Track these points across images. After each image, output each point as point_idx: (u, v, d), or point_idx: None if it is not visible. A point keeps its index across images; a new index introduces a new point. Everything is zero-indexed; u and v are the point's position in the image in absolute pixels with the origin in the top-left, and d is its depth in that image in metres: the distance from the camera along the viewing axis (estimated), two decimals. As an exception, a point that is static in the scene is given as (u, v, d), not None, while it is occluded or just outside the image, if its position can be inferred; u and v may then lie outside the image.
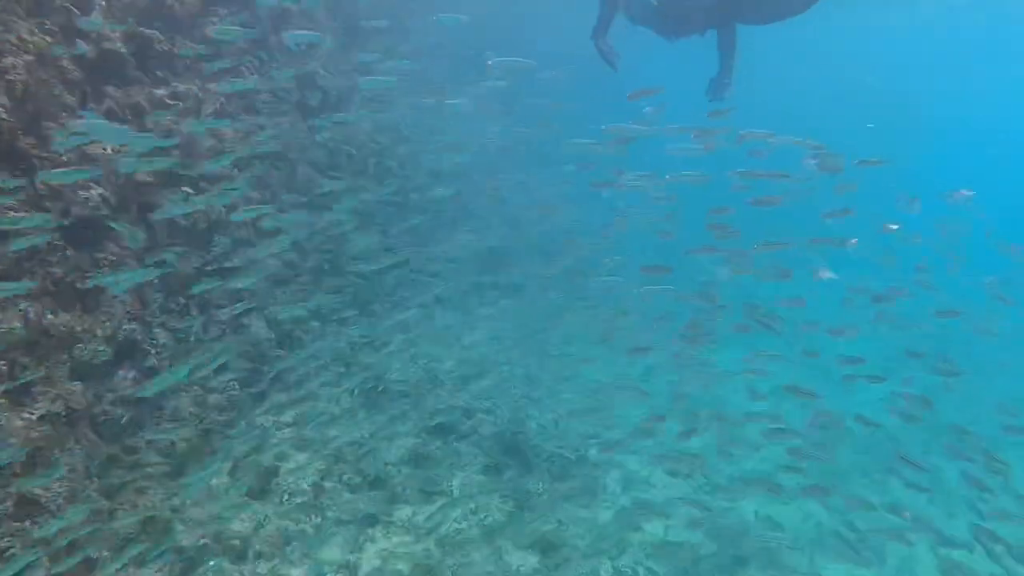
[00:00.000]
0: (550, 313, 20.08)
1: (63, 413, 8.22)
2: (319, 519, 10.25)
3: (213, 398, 10.70)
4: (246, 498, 10.16)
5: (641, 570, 11.32)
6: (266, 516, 9.94)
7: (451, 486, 11.86)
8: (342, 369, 13.15)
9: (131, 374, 9.28)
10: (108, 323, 9.14)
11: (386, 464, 11.53)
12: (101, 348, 8.96)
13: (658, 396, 16.75)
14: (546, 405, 15.29)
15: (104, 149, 9.25)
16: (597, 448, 14.39)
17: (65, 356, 8.52)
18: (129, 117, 10.17)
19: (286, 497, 10.41)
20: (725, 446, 14.64)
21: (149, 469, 9.16)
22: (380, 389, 12.94)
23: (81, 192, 8.91)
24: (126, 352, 9.52)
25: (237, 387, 11.07)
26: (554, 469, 13.03)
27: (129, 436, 9.21)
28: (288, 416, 11.76)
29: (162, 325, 10.18)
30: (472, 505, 11.60)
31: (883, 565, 12.29)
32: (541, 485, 12.52)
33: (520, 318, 19.10)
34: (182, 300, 10.51)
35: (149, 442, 9.21)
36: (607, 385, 17.02)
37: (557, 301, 20.79)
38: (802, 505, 13.28)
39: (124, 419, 8.90)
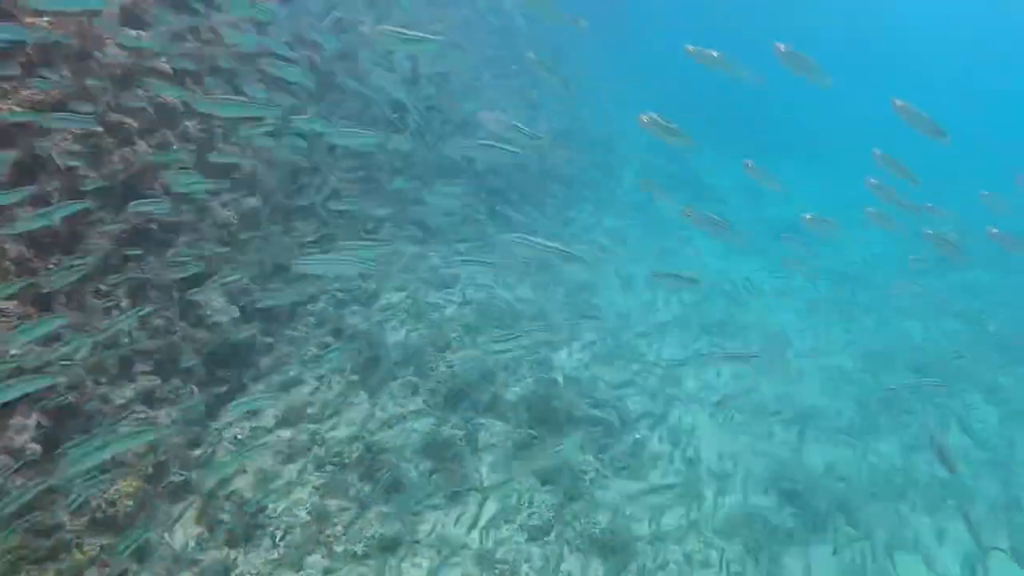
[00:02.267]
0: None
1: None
2: (327, 560, 7.87)
3: (164, 414, 7.97)
4: (227, 550, 7.66)
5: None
6: (256, 573, 7.51)
7: (480, 476, 9.61)
8: (329, 339, 10.47)
9: (31, 422, 6.43)
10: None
11: (399, 461, 9.11)
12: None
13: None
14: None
15: None
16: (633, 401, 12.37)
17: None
18: None
19: (279, 536, 7.94)
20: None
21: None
22: (375, 359, 10.38)
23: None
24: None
25: (194, 391, 8.31)
26: (596, 436, 10.88)
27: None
28: (268, 417, 9.14)
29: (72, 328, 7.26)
30: (511, 500, 9.42)
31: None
32: (586, 461, 10.40)
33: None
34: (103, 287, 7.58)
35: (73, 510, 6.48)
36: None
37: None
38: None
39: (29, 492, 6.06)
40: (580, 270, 16.94)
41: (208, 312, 8.74)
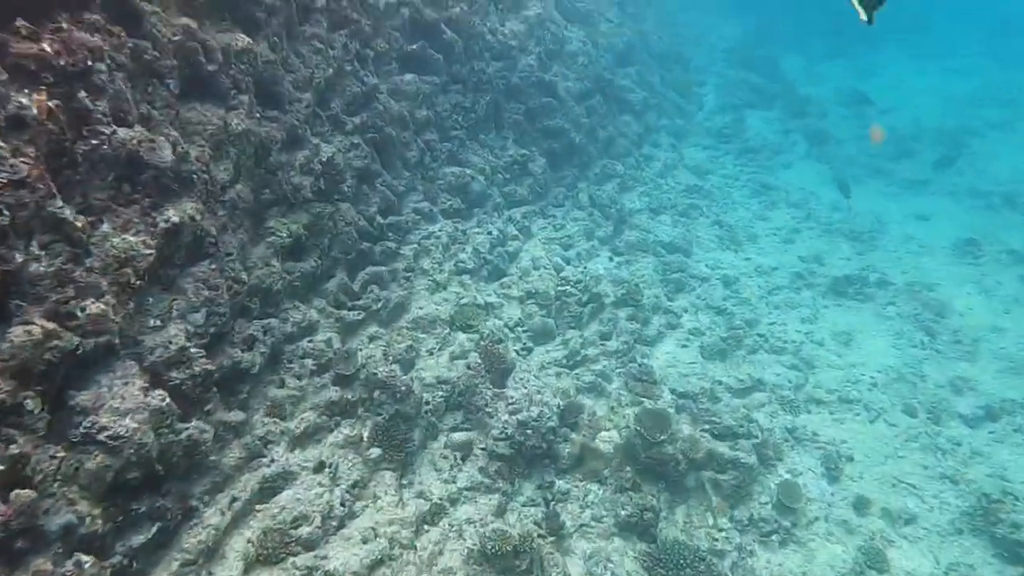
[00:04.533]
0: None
1: None
2: None
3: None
4: None
5: None
6: None
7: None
8: (334, 393, 7.34)
9: None
10: None
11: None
12: None
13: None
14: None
15: None
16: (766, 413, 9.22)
17: None
18: None
19: None
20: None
21: None
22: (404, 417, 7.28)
23: None
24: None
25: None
26: (727, 487, 7.76)
27: None
28: (232, 557, 6.03)
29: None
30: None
31: None
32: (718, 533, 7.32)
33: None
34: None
35: None
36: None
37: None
38: None
39: None
40: (668, 225, 13.58)
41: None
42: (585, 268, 11.04)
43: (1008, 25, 28.41)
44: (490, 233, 10.47)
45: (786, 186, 16.61)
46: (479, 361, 7.97)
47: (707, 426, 8.33)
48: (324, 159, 8.01)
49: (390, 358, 7.69)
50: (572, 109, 13.68)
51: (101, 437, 4.68)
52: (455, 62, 11.40)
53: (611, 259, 11.79)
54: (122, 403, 4.86)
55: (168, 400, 5.20)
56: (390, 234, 9.19)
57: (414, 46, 10.56)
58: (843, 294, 12.57)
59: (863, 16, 3.87)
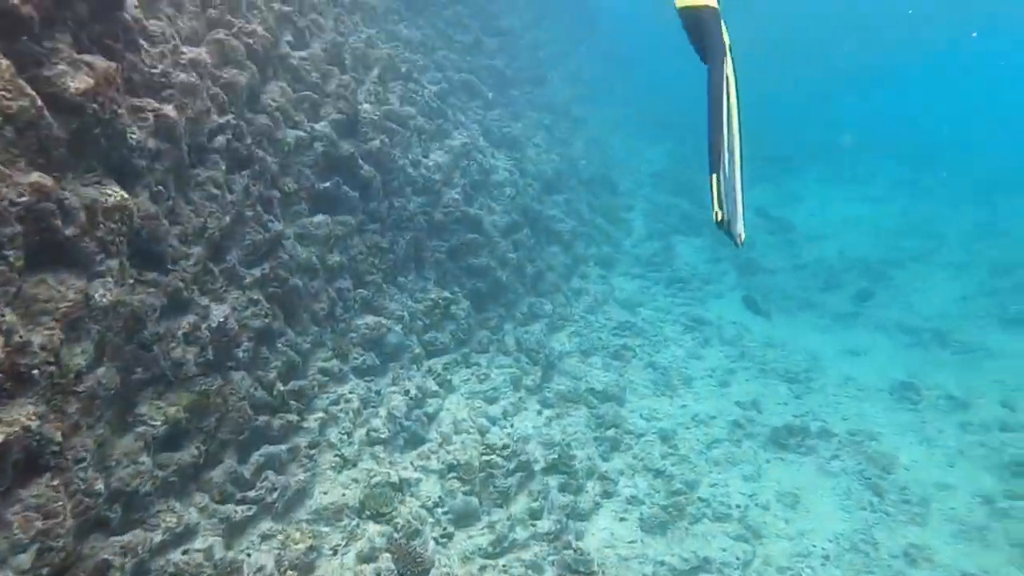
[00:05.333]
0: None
1: None
2: None
3: None
4: None
5: None
6: None
7: None
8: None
9: None
10: None
11: None
12: None
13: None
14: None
15: None
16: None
17: None
18: None
19: None
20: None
21: None
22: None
23: None
24: None
25: None
26: None
27: None
28: None
29: None
30: None
31: None
32: None
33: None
34: None
35: None
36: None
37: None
38: None
39: None
40: (600, 369, 12.79)
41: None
42: (512, 428, 10.07)
43: (924, 156, 29.44)
44: (407, 392, 9.44)
45: (718, 320, 16.14)
46: (391, 567, 6.80)
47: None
48: (215, 324, 6.93)
49: (284, 566, 6.47)
50: (498, 245, 12.96)
51: None
52: (373, 199, 10.57)
53: (540, 413, 10.88)
54: None
55: None
56: (292, 402, 8.05)
57: (327, 184, 9.68)
58: (785, 446, 11.88)
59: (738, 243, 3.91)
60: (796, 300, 18.14)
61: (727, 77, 3.81)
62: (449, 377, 10.62)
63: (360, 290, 10.05)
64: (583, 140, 22.56)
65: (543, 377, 11.68)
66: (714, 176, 3.49)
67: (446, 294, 11.49)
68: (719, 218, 3.44)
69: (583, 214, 18.13)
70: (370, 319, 9.94)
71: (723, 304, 17.27)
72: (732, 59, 4.10)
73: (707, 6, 4.05)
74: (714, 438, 11.75)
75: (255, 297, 7.80)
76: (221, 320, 7.04)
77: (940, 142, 31.24)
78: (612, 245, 18.31)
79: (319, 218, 9.42)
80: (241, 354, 7.36)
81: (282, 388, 7.93)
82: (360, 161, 10.36)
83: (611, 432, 10.85)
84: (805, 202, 25.53)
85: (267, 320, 7.86)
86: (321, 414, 8.33)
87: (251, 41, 8.70)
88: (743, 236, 3.65)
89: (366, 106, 11.15)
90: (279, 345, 8.20)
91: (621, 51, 33.12)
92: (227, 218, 7.58)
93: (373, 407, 9.04)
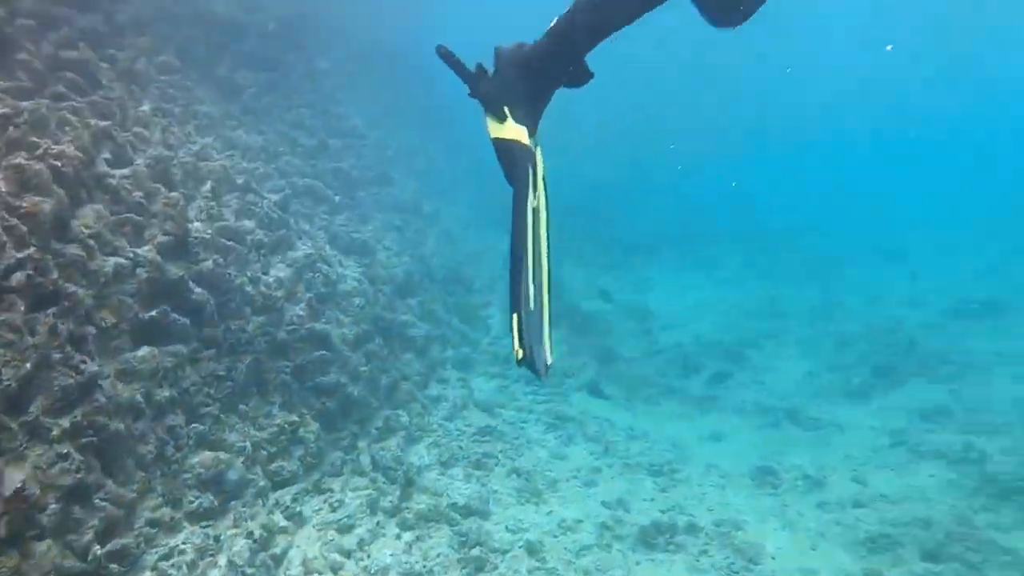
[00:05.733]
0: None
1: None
2: None
3: None
4: None
5: None
6: None
7: None
8: None
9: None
10: None
11: None
12: None
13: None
14: None
15: None
16: None
17: None
18: None
19: None
20: None
21: None
22: None
23: None
24: None
25: None
26: None
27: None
28: None
29: None
30: None
31: None
32: None
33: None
34: None
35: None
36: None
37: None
38: None
39: None
40: (461, 480, 12.31)
41: None
42: (369, 559, 9.42)
43: (761, 237, 31.21)
44: (250, 534, 8.67)
45: (581, 415, 16.02)
46: None
47: None
48: (8, 494, 6.12)
49: None
50: (349, 359, 12.42)
51: None
52: (207, 324, 9.90)
53: (399, 537, 10.25)
54: None
55: None
56: (112, 565, 7.15)
57: (153, 312, 8.97)
58: (654, 546, 11.68)
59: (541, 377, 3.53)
60: (657, 387, 18.31)
61: (533, 210, 3.64)
62: (299, 509, 9.90)
63: (194, 424, 9.27)
64: (435, 237, 22.46)
65: (401, 496, 11.08)
66: (515, 316, 3.30)
67: (293, 417, 10.82)
68: (519, 356, 3.25)
69: (438, 316, 17.84)
70: (207, 456, 9.15)
71: (583, 397, 17.26)
72: (544, 187, 3.93)
73: (518, 141, 3.89)
74: (582, 544, 11.42)
75: (64, 451, 6.98)
76: (18, 486, 6.22)
77: (774, 224, 33.30)
78: (470, 345, 18.06)
79: (144, 351, 8.67)
80: (46, 520, 6.52)
81: (99, 551, 7.06)
82: (191, 284, 9.72)
83: (476, 551, 10.34)
84: (659, 288, 26.34)
85: (79, 475, 7.03)
86: (148, 574, 7.48)
87: (59, 163, 8.08)
88: (549, 366, 3.46)
89: (197, 224, 10.56)
90: (96, 501, 7.34)
91: (472, 140, 33.64)
92: (27, 364, 6.82)
93: (211, 556, 8.22)
